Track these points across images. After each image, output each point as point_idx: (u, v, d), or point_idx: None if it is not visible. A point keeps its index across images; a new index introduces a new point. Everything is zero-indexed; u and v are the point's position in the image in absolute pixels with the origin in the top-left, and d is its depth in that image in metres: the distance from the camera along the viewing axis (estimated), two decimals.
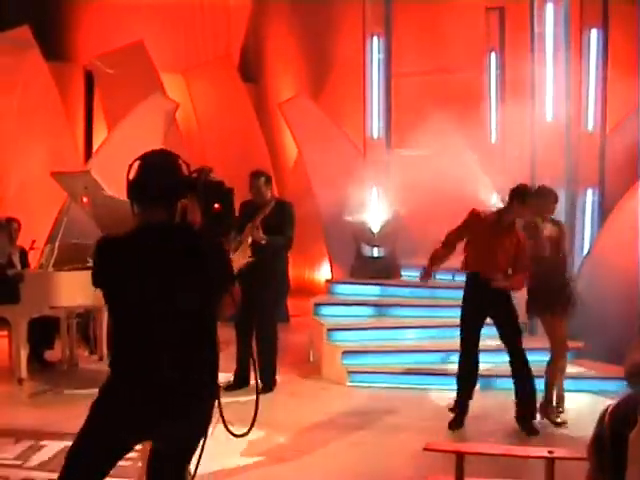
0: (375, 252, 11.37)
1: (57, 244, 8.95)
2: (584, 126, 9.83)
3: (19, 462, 6.43)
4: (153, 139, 10.99)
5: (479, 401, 7.62)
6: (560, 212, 7.99)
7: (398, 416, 7.84)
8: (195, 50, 15.74)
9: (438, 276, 10.41)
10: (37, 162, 12.36)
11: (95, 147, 13.56)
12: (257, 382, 4.63)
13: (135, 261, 3.66)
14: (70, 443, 3.74)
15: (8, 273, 8.96)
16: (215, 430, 3.82)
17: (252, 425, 4.00)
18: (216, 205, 3.83)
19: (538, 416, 7.45)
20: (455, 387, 7.53)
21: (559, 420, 7.43)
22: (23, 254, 9.64)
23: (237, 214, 4.61)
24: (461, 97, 11.95)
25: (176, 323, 3.63)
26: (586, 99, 9.83)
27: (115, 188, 8.04)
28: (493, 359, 8.29)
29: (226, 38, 16.11)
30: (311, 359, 9.91)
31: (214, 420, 3.75)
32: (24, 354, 8.74)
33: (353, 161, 11.77)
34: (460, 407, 7.44)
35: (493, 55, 12.25)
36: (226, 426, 3.86)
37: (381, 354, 9.28)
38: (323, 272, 13.62)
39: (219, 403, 3.74)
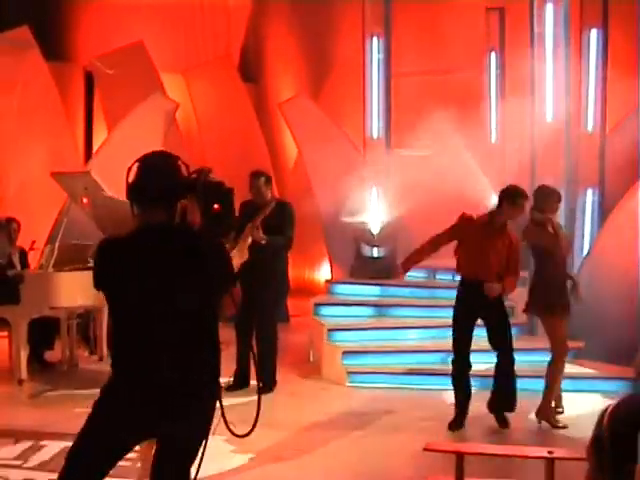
0: (375, 252, 11.36)
1: (57, 245, 8.95)
2: (584, 126, 9.83)
3: (19, 462, 6.43)
4: (153, 139, 11.00)
5: (479, 401, 7.61)
6: (560, 212, 7.98)
7: (398, 416, 7.84)
8: (195, 50, 15.74)
9: (438, 276, 10.45)
10: (37, 162, 12.37)
11: (95, 147, 13.56)
12: (258, 382, 4.64)
13: (135, 262, 3.67)
14: (70, 443, 3.75)
15: (8, 274, 8.96)
16: (216, 430, 3.81)
17: (254, 425, 4.00)
18: (216, 206, 3.83)
19: (536, 418, 7.47)
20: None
21: (560, 424, 7.41)
22: (23, 254, 9.64)
23: (237, 214, 4.61)
24: (461, 97, 11.95)
25: (176, 324, 3.64)
26: (586, 99, 9.82)
27: (115, 188, 8.04)
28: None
29: (226, 38, 16.11)
30: (311, 359, 9.91)
31: (215, 420, 3.75)
32: (24, 355, 8.75)
33: (353, 161, 11.77)
34: (460, 407, 7.44)
35: (493, 55, 12.25)
36: (228, 426, 3.86)
37: (381, 354, 9.28)
38: (323, 272, 13.62)
39: (220, 403, 3.74)
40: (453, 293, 7.55)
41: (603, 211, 9.73)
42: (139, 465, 5.54)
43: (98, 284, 3.77)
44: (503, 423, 7.43)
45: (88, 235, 9.36)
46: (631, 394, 2.00)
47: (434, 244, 7.47)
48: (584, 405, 7.80)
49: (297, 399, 8.47)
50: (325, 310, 10.20)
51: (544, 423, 7.45)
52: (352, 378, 8.91)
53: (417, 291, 10.43)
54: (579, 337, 8.81)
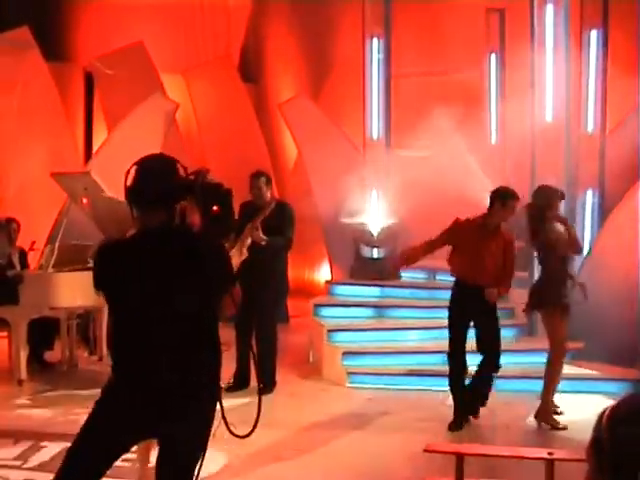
0: (375, 253, 11.35)
1: (57, 245, 8.95)
2: (584, 127, 9.82)
3: (18, 463, 6.44)
4: (153, 140, 11.01)
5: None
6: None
7: (397, 417, 7.84)
8: (195, 50, 15.73)
9: (438, 277, 10.44)
10: (37, 163, 12.37)
11: (95, 148, 13.55)
12: (259, 383, 4.64)
13: (135, 265, 3.69)
14: (70, 444, 3.75)
15: (8, 274, 8.96)
16: (216, 431, 3.81)
17: (255, 426, 4.00)
18: (215, 207, 3.84)
19: (535, 421, 7.47)
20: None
21: (560, 426, 7.41)
22: (23, 255, 9.63)
23: (237, 215, 4.61)
24: (461, 98, 11.94)
25: (175, 325, 3.64)
26: (586, 99, 9.82)
27: (115, 189, 8.03)
28: None
29: (226, 38, 16.11)
30: (311, 360, 9.90)
31: (215, 422, 3.75)
32: (24, 355, 8.75)
33: (353, 162, 11.76)
34: (460, 408, 7.44)
35: (493, 56, 12.24)
36: (228, 427, 3.86)
37: (381, 355, 9.28)
38: (323, 273, 13.61)
39: (221, 404, 3.74)
40: None
41: (603, 212, 9.73)
42: (137, 466, 5.54)
43: (98, 287, 3.80)
44: (477, 415, 7.50)
45: (88, 235, 9.36)
46: (631, 394, 2.00)
47: (428, 248, 7.49)
48: (584, 406, 7.80)
49: (297, 400, 8.47)
50: (325, 311, 10.19)
51: (544, 424, 7.44)
52: (352, 379, 8.91)
53: (417, 292, 10.43)
54: (578, 338, 8.80)
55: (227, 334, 6.58)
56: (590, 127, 9.81)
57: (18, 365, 8.69)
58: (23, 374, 8.69)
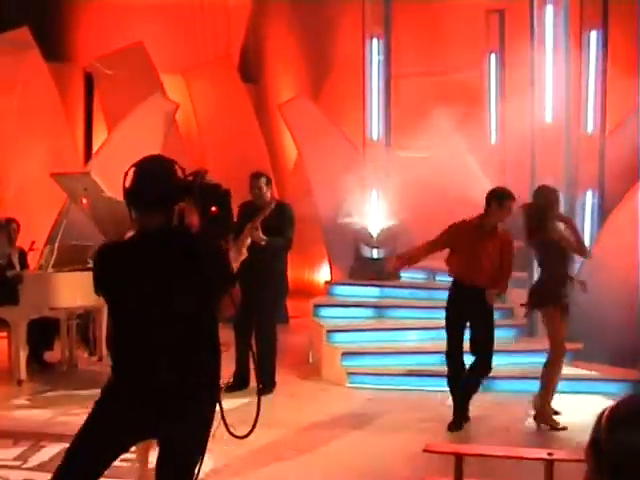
0: (374, 253, 11.35)
1: (56, 245, 8.95)
2: (584, 127, 9.82)
3: (18, 463, 6.44)
4: (153, 140, 11.01)
5: (478, 402, 7.62)
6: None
7: (397, 417, 7.84)
8: (195, 50, 15.73)
9: (438, 278, 10.44)
10: (37, 163, 12.36)
11: (95, 148, 13.55)
12: (258, 383, 4.64)
13: (133, 266, 3.69)
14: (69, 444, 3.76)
15: (7, 274, 8.96)
16: (216, 432, 3.81)
17: (254, 426, 4.00)
18: (213, 208, 3.84)
19: (535, 422, 7.47)
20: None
21: (560, 426, 7.41)
22: (22, 255, 9.63)
23: (236, 215, 4.61)
24: (461, 98, 11.95)
25: (174, 326, 3.65)
26: (586, 100, 9.82)
27: (115, 189, 8.02)
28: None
29: (226, 38, 16.10)
30: (310, 360, 9.90)
31: (215, 423, 3.75)
32: (23, 355, 8.74)
33: (353, 162, 11.76)
34: (459, 408, 7.44)
35: (493, 56, 12.24)
36: (227, 428, 3.86)
37: (380, 355, 9.28)
38: (322, 273, 13.61)
39: (220, 405, 3.74)
40: None
41: (603, 212, 9.73)
42: (137, 466, 5.54)
43: (98, 289, 3.81)
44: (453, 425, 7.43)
45: (88, 236, 9.36)
46: (631, 395, 1.99)
47: (429, 249, 7.49)
48: (584, 407, 7.80)
49: (297, 400, 8.47)
50: (324, 311, 10.19)
51: (543, 425, 7.44)
52: (352, 379, 8.91)
53: (417, 292, 10.43)
54: (578, 339, 8.80)
55: (226, 335, 6.58)
56: (590, 127, 9.81)
57: (18, 365, 8.69)
58: (23, 374, 8.69)
